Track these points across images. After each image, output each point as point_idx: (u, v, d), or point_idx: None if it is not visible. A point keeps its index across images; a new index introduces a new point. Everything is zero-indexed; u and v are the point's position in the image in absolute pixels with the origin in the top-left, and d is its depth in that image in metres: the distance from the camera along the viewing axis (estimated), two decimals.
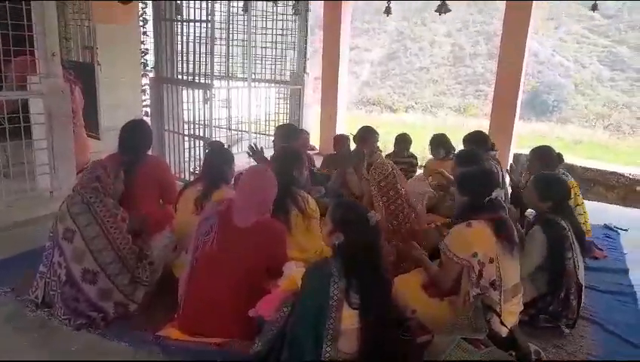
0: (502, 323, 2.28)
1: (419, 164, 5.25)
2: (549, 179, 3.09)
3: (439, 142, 4.67)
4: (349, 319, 2.03)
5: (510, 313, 2.46)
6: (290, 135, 4.12)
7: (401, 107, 28.40)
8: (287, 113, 7.14)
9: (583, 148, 15.89)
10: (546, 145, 3.98)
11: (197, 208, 3.05)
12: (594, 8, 5.40)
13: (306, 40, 7.00)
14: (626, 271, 3.62)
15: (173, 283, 2.78)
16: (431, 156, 4.84)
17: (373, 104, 28.57)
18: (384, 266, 2.21)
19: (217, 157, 3.26)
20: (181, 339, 2.40)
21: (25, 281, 2.80)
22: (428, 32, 36.26)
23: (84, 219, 2.50)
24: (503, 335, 2.24)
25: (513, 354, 2.16)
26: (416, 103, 29.78)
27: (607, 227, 4.56)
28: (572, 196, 3.70)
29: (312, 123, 7.72)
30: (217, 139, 5.38)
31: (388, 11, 6.52)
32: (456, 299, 2.49)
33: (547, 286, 2.76)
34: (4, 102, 4.13)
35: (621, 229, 4.53)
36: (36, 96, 4.21)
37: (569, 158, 6.13)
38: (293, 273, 2.37)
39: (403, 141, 5.02)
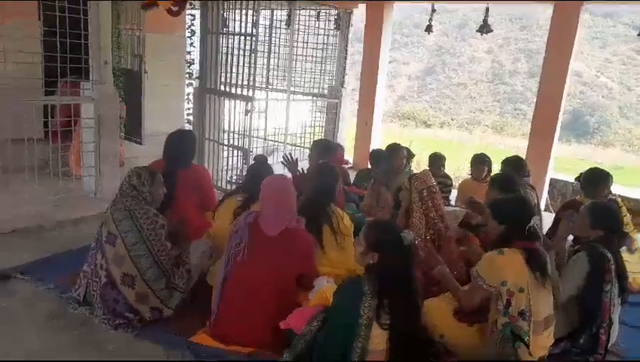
0: (530, 354, 2.27)
1: (453, 184, 5.22)
2: (606, 207, 3.02)
3: (481, 161, 4.64)
4: (378, 339, 2.07)
5: (540, 347, 2.44)
6: (326, 150, 4.19)
7: (436, 122, 28.21)
8: (322, 126, 7.24)
9: (624, 173, 15.35)
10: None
11: (235, 218, 3.15)
12: None
13: (345, 55, 7.10)
14: None
15: (208, 290, 2.88)
16: (466, 176, 4.82)
17: (408, 118, 28.46)
18: (416, 288, 2.24)
19: (260, 170, 3.35)
20: (212, 346, 2.50)
21: (70, 279, 2.93)
22: (468, 48, 35.98)
23: (125, 225, 2.63)
24: None
25: None
26: (452, 120, 29.55)
27: None
28: (625, 223, 3.67)
29: (346, 136, 7.79)
30: (255, 148, 5.53)
31: (429, 29, 6.58)
32: (485, 326, 2.48)
33: (582, 319, 2.72)
34: (59, 106, 4.37)
35: None
36: (88, 102, 4.43)
37: (627, 193, 5.99)
38: (325, 288, 2.44)
39: (437, 159, 5.01)
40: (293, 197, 2.70)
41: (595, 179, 3.76)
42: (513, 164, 4.09)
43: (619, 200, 3.91)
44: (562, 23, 5.52)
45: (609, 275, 2.68)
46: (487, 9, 5.96)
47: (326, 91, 7.25)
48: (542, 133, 5.78)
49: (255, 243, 2.56)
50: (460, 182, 5.21)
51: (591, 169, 3.89)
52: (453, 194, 5.16)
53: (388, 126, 20.25)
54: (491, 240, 2.67)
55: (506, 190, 3.23)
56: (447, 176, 5.11)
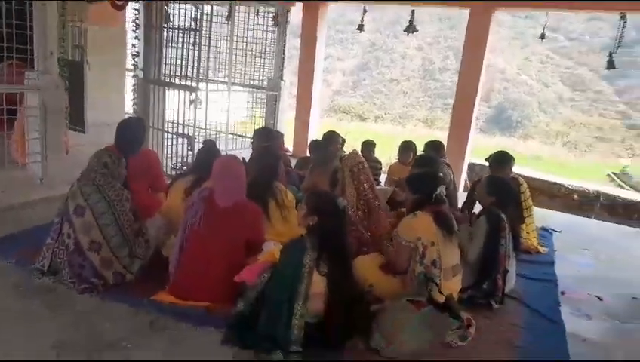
0: (440, 292, 2.80)
1: (383, 168, 5.79)
2: (499, 179, 3.70)
3: (407, 147, 5.23)
4: (318, 284, 2.52)
5: (451, 289, 3.00)
6: (268, 137, 4.58)
7: (370, 116, 29.18)
8: (263, 117, 7.60)
9: (542, 163, 16.74)
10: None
11: (187, 196, 3.47)
12: (542, 37, 6.08)
13: (283, 50, 7.49)
14: (552, 264, 4.23)
15: (163, 261, 3.22)
16: (395, 160, 5.39)
17: (344, 112, 29.22)
18: (348, 244, 2.71)
19: (209, 153, 3.69)
20: (173, 302, 2.84)
21: (32, 254, 3.13)
22: (400, 45, 37.23)
23: (95, 197, 2.91)
24: (441, 302, 2.76)
25: (447, 314, 2.69)
26: (385, 114, 30.61)
27: (544, 229, 5.19)
28: (526, 198, 4.37)
29: (286, 128, 8.19)
30: (198, 136, 5.80)
31: (361, 28, 7.11)
32: (405, 276, 3.00)
33: (484, 270, 3.32)
34: (4, 95, 4.45)
35: (555, 231, 5.18)
36: (33, 91, 4.54)
37: (529, 173, 6.85)
38: (272, 249, 2.84)
39: (369, 145, 5.57)
40: (243, 173, 3.09)
41: (500, 160, 4.43)
42: (433, 146, 4.73)
43: (520, 179, 4.61)
44: (476, 26, 6.21)
45: (503, 232, 3.30)
46: (413, 11, 6.58)
47: (265, 84, 7.61)
48: (460, 124, 6.47)
49: (209, 214, 2.92)
50: (389, 166, 5.78)
51: (497, 152, 4.58)
52: (384, 177, 5.72)
53: (324, 120, 20.82)
54: (408, 207, 3.20)
55: (424, 167, 3.80)
56: (377, 161, 5.67)
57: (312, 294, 2.51)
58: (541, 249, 4.50)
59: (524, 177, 6.11)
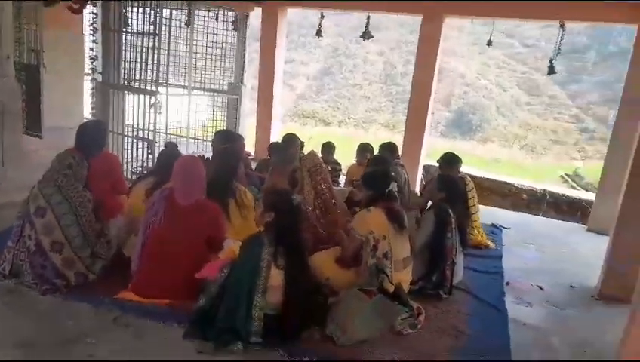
0: (390, 282, 2.99)
1: (341, 169, 5.98)
2: (448, 178, 3.97)
3: (364, 149, 5.44)
4: (276, 277, 2.66)
5: (402, 280, 3.20)
6: (228, 138, 4.68)
7: (334, 121, 29.49)
8: (224, 121, 7.67)
9: (500, 166, 17.29)
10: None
11: (148, 197, 3.54)
12: (489, 44, 6.43)
13: (243, 54, 7.59)
14: (500, 258, 4.51)
15: (125, 260, 3.28)
16: (354, 162, 5.60)
17: (308, 117, 29.41)
18: (303, 238, 2.86)
19: (170, 155, 3.77)
20: (136, 300, 2.92)
21: None
22: (361, 50, 37.74)
23: (56, 198, 2.95)
24: (391, 291, 2.95)
25: (397, 303, 2.88)
26: (348, 118, 30.98)
27: (494, 226, 5.50)
28: (472, 194, 4.65)
29: (248, 132, 8.27)
30: (159, 140, 5.83)
31: (319, 34, 7.30)
32: (359, 269, 3.18)
33: (433, 263, 3.54)
34: None
35: (504, 228, 5.49)
36: None
37: (487, 175, 7.19)
38: (232, 246, 2.96)
39: (328, 147, 5.75)
40: (203, 172, 3.20)
41: (449, 160, 4.71)
42: (387, 147, 4.98)
43: (467, 178, 4.89)
44: (428, 32, 6.47)
45: (450, 226, 3.54)
46: (368, 17, 6.82)
47: (226, 87, 7.69)
48: (415, 127, 6.73)
49: (170, 213, 3.02)
50: (347, 167, 5.98)
51: (447, 153, 4.84)
52: (343, 179, 5.91)
53: (288, 125, 20.96)
54: (362, 203, 3.39)
55: (378, 166, 4.00)
56: (336, 163, 5.86)
57: (270, 287, 2.65)
58: (490, 243, 4.78)
59: (477, 177, 6.46)
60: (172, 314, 2.82)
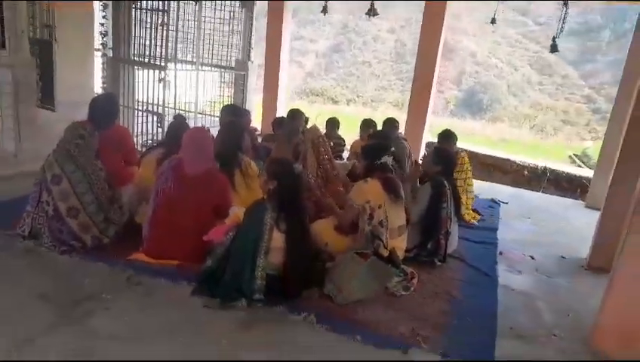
0: (385, 247, 3.18)
1: (345, 144, 6.14)
2: (443, 150, 4.10)
3: (367, 124, 5.59)
4: (278, 239, 2.85)
5: (397, 247, 3.38)
6: (235, 113, 4.84)
7: (343, 99, 29.45)
8: (231, 97, 7.81)
9: (508, 145, 17.25)
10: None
11: (158, 167, 3.73)
12: (493, 21, 6.47)
13: (251, 30, 7.68)
14: (495, 230, 4.68)
15: (136, 227, 3.49)
16: (358, 138, 5.75)
17: (317, 95, 29.39)
18: (304, 204, 3.04)
19: (179, 127, 3.94)
20: (147, 261, 3.13)
21: (14, 222, 3.35)
22: (372, 27, 37.34)
23: (69, 167, 3.15)
24: (385, 255, 3.13)
25: (390, 266, 3.07)
26: (357, 97, 30.91)
27: (492, 200, 5.66)
28: (464, 169, 4.80)
29: (255, 109, 8.41)
30: (168, 115, 6.00)
31: (325, 10, 7.35)
32: (356, 236, 3.36)
33: (428, 231, 3.71)
34: None
35: (502, 202, 5.65)
36: (6, 68, 4.67)
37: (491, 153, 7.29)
38: (237, 211, 3.15)
39: (332, 123, 5.90)
40: (211, 144, 3.37)
41: (446, 136, 4.89)
42: (388, 123, 5.14)
43: (462, 153, 5.04)
44: (432, 10, 6.52)
45: (445, 197, 3.70)
46: None
47: (233, 64, 7.81)
48: (418, 106, 6.83)
49: (179, 181, 3.21)
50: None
51: (444, 130, 5.01)
52: (347, 154, 6.07)
53: (296, 103, 20.98)
54: (360, 173, 3.56)
55: (378, 139, 4.16)
56: (340, 138, 6.01)
57: (272, 249, 2.84)
58: (473, 219, 4.91)
59: (479, 154, 6.58)
60: (181, 274, 3.04)
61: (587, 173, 7.28)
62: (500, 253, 4.10)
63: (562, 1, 5.79)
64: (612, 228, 3.80)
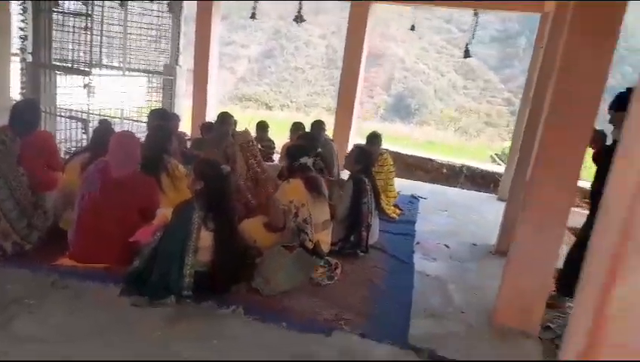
0: (310, 240, 3.39)
1: (275, 147, 6.31)
2: (363, 150, 4.37)
3: (297, 127, 5.80)
4: (206, 238, 2.97)
5: (322, 241, 3.60)
6: (163, 117, 4.88)
7: (276, 105, 29.62)
8: (159, 102, 7.75)
9: (434, 147, 18.12)
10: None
11: (83, 172, 3.72)
12: (412, 28, 6.91)
13: (179, 34, 7.67)
14: (414, 223, 5.04)
15: (61, 233, 3.47)
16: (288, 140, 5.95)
17: (249, 100, 29.32)
18: (233, 204, 3.18)
19: (105, 132, 3.94)
20: (73, 265, 3.13)
21: None
22: (303, 33, 37.77)
23: None
24: (310, 247, 3.34)
25: (315, 257, 3.28)
26: (291, 102, 31.20)
27: (413, 196, 6.05)
28: (385, 170, 5.12)
29: (184, 114, 8.37)
30: (92, 121, 5.90)
31: (253, 16, 7.51)
32: (285, 232, 3.55)
33: (351, 225, 3.96)
34: None
35: (422, 198, 6.06)
36: None
37: (409, 151, 7.70)
38: (164, 212, 3.23)
39: (262, 127, 6.07)
40: (137, 147, 3.43)
41: (373, 138, 5.22)
42: (315, 125, 5.39)
43: (386, 154, 5.39)
44: (356, 17, 6.85)
45: (365, 193, 3.97)
46: (300, 2, 7.09)
47: (162, 69, 7.75)
48: (344, 110, 7.14)
49: (105, 184, 3.24)
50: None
51: (371, 132, 5.35)
52: (277, 156, 6.24)
53: (229, 108, 20.83)
54: (284, 174, 3.76)
55: (304, 140, 4.37)
56: (270, 140, 6.18)
57: (200, 247, 2.95)
58: (394, 214, 5.24)
59: (402, 154, 6.98)
60: (109, 276, 3.07)
61: (500, 169, 7.90)
62: (418, 243, 4.44)
63: (473, 11, 6.32)
64: (515, 215, 4.23)
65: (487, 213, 5.83)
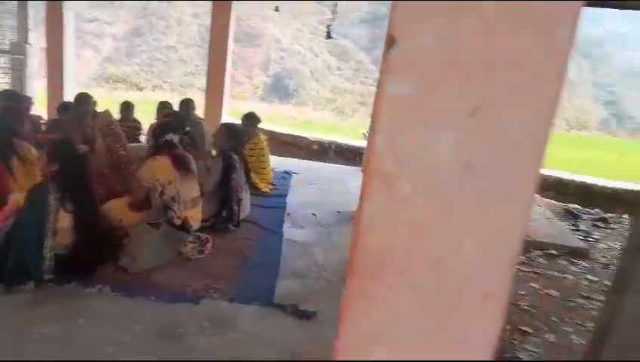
0: (179, 217, 3.46)
1: (142, 127, 6.16)
2: (233, 127, 4.51)
3: (164, 106, 5.70)
4: (65, 220, 2.91)
5: (192, 218, 3.69)
6: (12, 98, 4.52)
7: (148, 85, 28.18)
8: (9, 83, 7.06)
9: (311, 127, 18.70)
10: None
11: None
12: (276, 9, 7.11)
13: (26, 9, 7.01)
14: (285, 196, 5.32)
15: None
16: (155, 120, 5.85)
17: (118, 81, 27.55)
18: (91, 183, 3.13)
19: None
20: None
21: None
22: (174, 11, 36.12)
23: None
24: (178, 224, 3.42)
25: (182, 232, 3.37)
26: (164, 83, 29.86)
27: (286, 172, 6.34)
28: (258, 148, 5.32)
29: (39, 95, 7.72)
30: None
31: None
32: (150, 211, 3.57)
33: (221, 201, 4.10)
34: None
35: (294, 173, 6.37)
36: None
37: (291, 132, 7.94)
38: (17, 197, 3.08)
39: (127, 107, 5.88)
40: None
41: (249, 118, 5.44)
42: (183, 104, 5.42)
43: (262, 136, 5.58)
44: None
45: (235, 168, 4.12)
46: None
47: (9, 47, 7.05)
48: (214, 88, 7.16)
49: None
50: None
51: (247, 112, 5.54)
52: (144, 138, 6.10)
53: (94, 90, 19.39)
54: (151, 152, 3.76)
55: (170, 119, 4.38)
56: (137, 121, 6.01)
57: (59, 229, 2.89)
58: (266, 188, 5.50)
59: (276, 132, 7.24)
60: None
61: (363, 144, 8.51)
62: (288, 214, 4.72)
63: None
64: None
65: (351, 183, 6.31)
